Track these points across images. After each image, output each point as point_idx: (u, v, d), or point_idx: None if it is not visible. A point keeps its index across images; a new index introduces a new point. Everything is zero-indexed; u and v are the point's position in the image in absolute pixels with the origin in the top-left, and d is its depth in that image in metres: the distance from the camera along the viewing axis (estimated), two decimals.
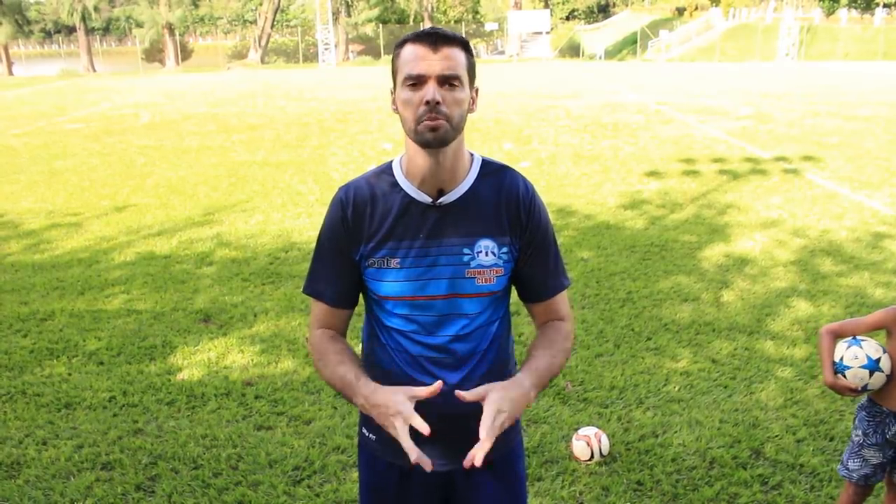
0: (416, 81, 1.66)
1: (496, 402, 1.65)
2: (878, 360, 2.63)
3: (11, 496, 3.38)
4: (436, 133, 1.66)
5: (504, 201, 1.81)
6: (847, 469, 2.83)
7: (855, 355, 2.65)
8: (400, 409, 1.64)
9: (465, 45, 1.70)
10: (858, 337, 2.71)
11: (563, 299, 1.94)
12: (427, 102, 1.64)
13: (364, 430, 1.99)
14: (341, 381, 1.79)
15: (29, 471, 3.57)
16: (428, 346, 1.82)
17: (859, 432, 2.78)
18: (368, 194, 1.79)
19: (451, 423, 1.82)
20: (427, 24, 55.38)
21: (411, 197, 1.77)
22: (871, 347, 2.65)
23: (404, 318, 1.82)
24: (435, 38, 1.66)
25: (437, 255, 1.77)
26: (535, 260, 1.86)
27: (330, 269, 1.85)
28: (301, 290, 1.91)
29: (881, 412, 2.72)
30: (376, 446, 1.95)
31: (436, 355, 1.83)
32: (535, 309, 1.94)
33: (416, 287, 1.78)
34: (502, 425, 1.65)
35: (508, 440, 1.99)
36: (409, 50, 1.67)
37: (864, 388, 2.66)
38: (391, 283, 1.79)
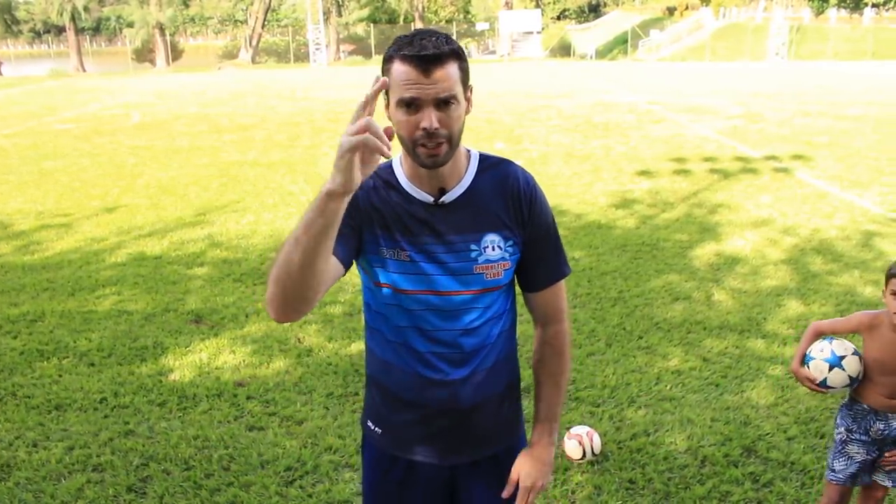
0: (411, 105, 1.62)
1: (525, 483, 1.94)
2: (842, 357, 2.66)
3: (2, 499, 3.37)
4: (436, 159, 1.67)
5: (506, 195, 1.81)
6: (833, 472, 2.83)
7: (822, 349, 2.71)
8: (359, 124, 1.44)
9: (456, 55, 1.65)
10: (834, 336, 2.77)
11: (560, 291, 1.95)
12: (424, 129, 1.62)
13: (370, 424, 1.98)
14: (299, 223, 1.52)
15: (19, 473, 3.56)
16: (435, 342, 1.82)
17: (842, 430, 2.80)
18: (373, 186, 1.78)
19: (453, 417, 1.88)
20: (418, 25, 55.35)
21: (413, 197, 1.77)
22: (840, 346, 2.70)
23: (411, 314, 1.81)
24: (426, 62, 1.59)
25: (444, 253, 1.77)
26: (537, 251, 1.87)
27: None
28: None
29: (862, 409, 2.74)
30: (382, 440, 1.96)
31: (443, 350, 1.83)
32: (533, 299, 1.94)
33: (425, 284, 1.78)
34: (539, 489, 1.97)
35: (512, 435, 2.02)
36: (400, 70, 1.62)
37: (825, 384, 2.68)
38: (404, 275, 1.77)
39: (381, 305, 1.85)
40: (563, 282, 1.95)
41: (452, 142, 1.67)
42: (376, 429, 1.96)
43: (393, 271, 1.78)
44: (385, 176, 1.80)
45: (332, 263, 1.67)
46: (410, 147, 1.67)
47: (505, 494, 1.94)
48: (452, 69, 1.64)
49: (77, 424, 4.01)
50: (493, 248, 1.80)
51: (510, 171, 1.84)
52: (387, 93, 1.69)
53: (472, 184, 1.79)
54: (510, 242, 1.82)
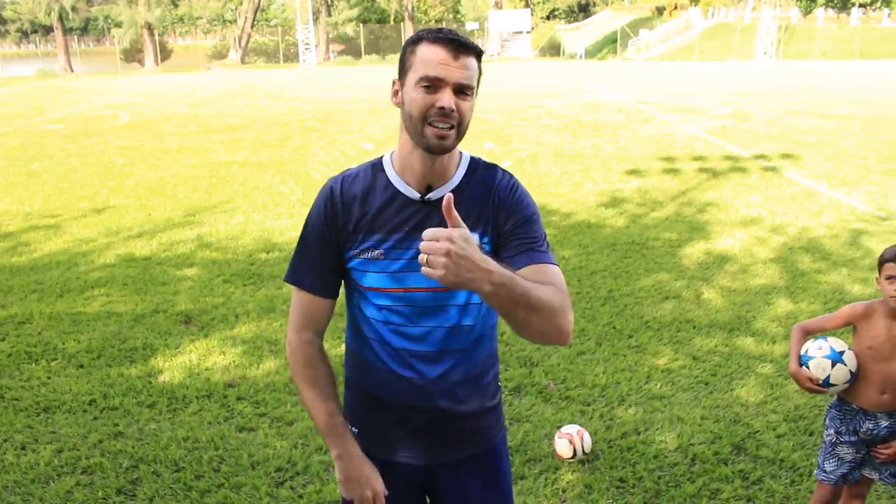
0: (432, 84, 1.66)
1: (450, 232, 1.46)
2: (842, 353, 2.67)
3: None
4: (442, 142, 1.69)
5: (490, 196, 1.82)
6: (824, 472, 2.84)
7: (819, 346, 2.72)
8: (378, 488, 1.89)
9: (479, 55, 1.73)
10: (826, 335, 2.79)
11: (551, 270, 1.73)
12: (441, 108, 1.65)
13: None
14: (328, 417, 1.88)
15: (7, 476, 3.53)
16: (409, 338, 1.83)
17: (831, 431, 2.81)
18: (358, 186, 1.82)
19: (430, 417, 1.88)
20: (408, 25, 55.30)
21: (399, 192, 1.79)
22: (835, 342, 2.72)
23: (387, 310, 1.83)
24: (457, 46, 1.66)
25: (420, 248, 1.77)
26: (521, 236, 1.77)
27: (313, 257, 1.86)
28: (284, 277, 1.92)
29: (851, 409, 2.75)
30: (358, 440, 1.96)
31: (416, 348, 1.84)
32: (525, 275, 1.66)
33: (399, 279, 1.80)
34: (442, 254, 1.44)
35: (491, 436, 2.00)
36: (429, 50, 1.67)
37: (827, 383, 2.67)
38: (374, 273, 1.80)
39: (357, 302, 1.89)
40: (555, 268, 1.74)
41: (460, 131, 1.71)
42: (353, 429, 1.96)
43: (366, 270, 1.81)
44: (375, 170, 1.83)
45: (328, 306, 1.89)
46: (420, 126, 1.68)
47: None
48: (474, 63, 1.71)
49: (66, 427, 3.99)
50: None
51: (497, 175, 1.86)
52: (401, 76, 1.73)
53: (458, 184, 1.81)
54: (486, 239, 1.80)
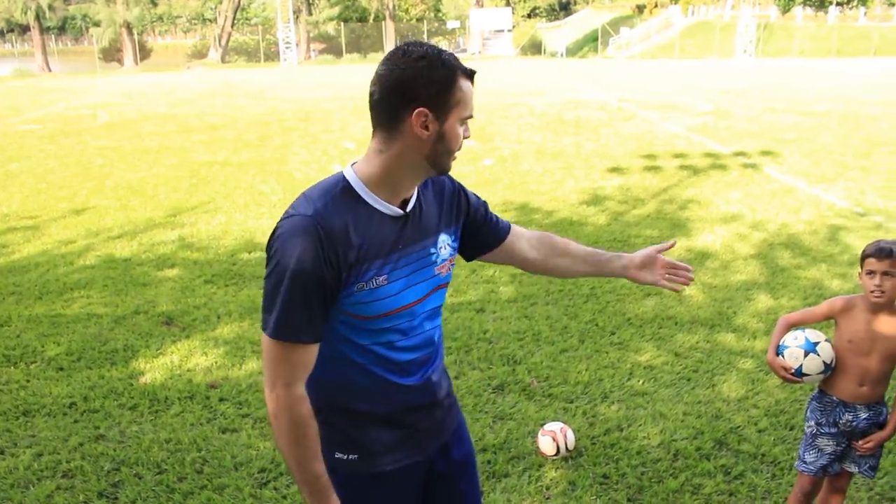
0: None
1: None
2: (816, 343, 2.71)
3: None
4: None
5: (443, 195, 1.92)
6: (805, 463, 2.88)
7: (795, 337, 2.77)
8: None
9: None
10: (806, 327, 2.84)
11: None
12: (466, 138, 1.77)
13: (339, 455, 1.87)
14: (316, 478, 1.76)
15: None
16: (410, 350, 1.84)
17: (812, 423, 2.85)
18: (340, 217, 1.67)
19: (431, 411, 1.94)
20: (389, 23, 55.18)
21: (382, 212, 1.73)
22: (812, 333, 2.76)
23: (387, 331, 1.78)
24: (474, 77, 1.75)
25: (413, 261, 1.79)
26: (483, 217, 2.04)
27: (314, 306, 1.67)
28: (271, 334, 1.68)
29: (831, 401, 2.79)
30: (355, 464, 1.88)
31: (416, 356, 1.86)
32: (507, 243, 2.11)
33: (402, 297, 1.77)
34: None
35: (458, 410, 2.12)
36: (468, 87, 1.73)
37: (800, 372, 2.72)
38: (380, 301, 1.73)
39: (345, 332, 1.77)
40: None
41: None
42: (351, 456, 1.87)
43: (369, 300, 1.72)
44: (347, 196, 1.71)
45: (317, 348, 1.73)
46: (450, 157, 1.75)
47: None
48: None
49: (46, 430, 3.95)
50: (445, 247, 1.88)
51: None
52: (438, 109, 1.68)
53: (419, 191, 1.84)
54: (453, 238, 1.93)
